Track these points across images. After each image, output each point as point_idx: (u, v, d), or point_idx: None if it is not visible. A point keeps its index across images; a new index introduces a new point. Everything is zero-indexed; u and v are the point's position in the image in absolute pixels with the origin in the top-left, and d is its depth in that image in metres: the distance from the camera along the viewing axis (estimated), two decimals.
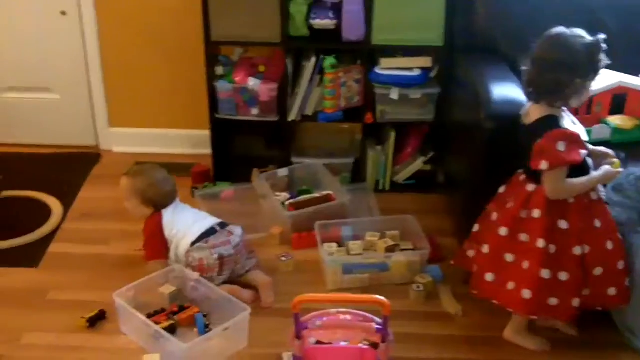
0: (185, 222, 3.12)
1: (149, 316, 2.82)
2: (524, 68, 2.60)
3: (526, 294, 2.58)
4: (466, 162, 3.13)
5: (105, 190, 3.71)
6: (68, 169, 4.00)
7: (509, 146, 2.63)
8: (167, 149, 4.16)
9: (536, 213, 2.57)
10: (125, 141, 4.19)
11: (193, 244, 3.03)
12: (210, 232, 3.08)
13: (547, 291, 2.59)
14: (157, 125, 4.16)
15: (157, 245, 3.13)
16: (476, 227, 2.84)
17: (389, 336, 2.33)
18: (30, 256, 3.31)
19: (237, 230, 3.12)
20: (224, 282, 3.04)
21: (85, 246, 3.33)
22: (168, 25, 3.88)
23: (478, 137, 2.85)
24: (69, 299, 3.06)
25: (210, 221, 3.15)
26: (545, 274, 2.57)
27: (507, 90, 2.92)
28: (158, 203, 3.16)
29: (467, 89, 3.12)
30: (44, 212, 3.61)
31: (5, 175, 3.86)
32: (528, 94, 2.63)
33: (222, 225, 3.14)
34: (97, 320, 2.92)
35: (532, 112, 2.59)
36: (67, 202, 3.69)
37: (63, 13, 3.90)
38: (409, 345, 2.77)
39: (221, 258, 3.01)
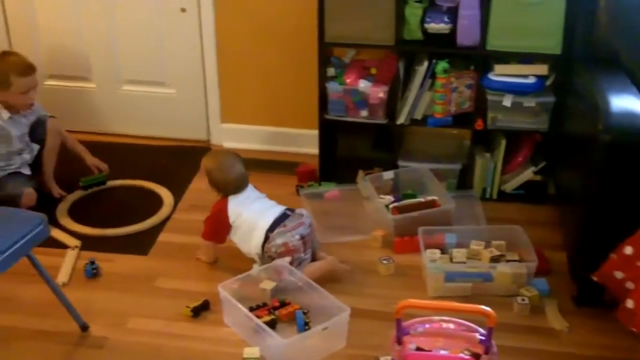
0: (254, 211, 3.18)
1: (251, 309, 2.86)
2: None
3: None
4: (580, 174, 3.04)
5: None
6: (180, 162, 4.11)
7: (628, 160, 2.54)
8: (275, 147, 4.22)
9: None
10: (235, 137, 4.26)
11: (269, 230, 3.10)
12: (283, 217, 3.15)
13: None
14: (267, 123, 4.22)
15: (216, 228, 3.23)
16: (629, 250, 2.67)
17: (492, 348, 2.30)
18: (140, 244, 3.43)
19: (305, 212, 3.23)
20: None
21: (193, 237, 3.38)
22: (283, 26, 3.93)
23: (594, 150, 2.76)
24: (175, 287, 3.15)
25: (280, 207, 3.22)
26: None
27: (626, 102, 2.82)
28: (221, 187, 3.23)
29: (585, 99, 3.03)
30: (156, 202, 3.73)
31: (121, 165, 4.00)
32: None
33: (291, 210, 3.21)
34: (201, 310, 2.98)
35: None
36: (177, 193, 3.80)
37: (183, 10, 4.01)
38: (511, 359, 2.71)
39: (302, 237, 3.11)
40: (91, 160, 3.86)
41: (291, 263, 3.07)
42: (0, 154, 3.59)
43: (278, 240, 3.08)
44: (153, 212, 3.62)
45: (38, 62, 4.18)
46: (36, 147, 3.74)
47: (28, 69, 3.56)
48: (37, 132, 3.72)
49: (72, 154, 3.86)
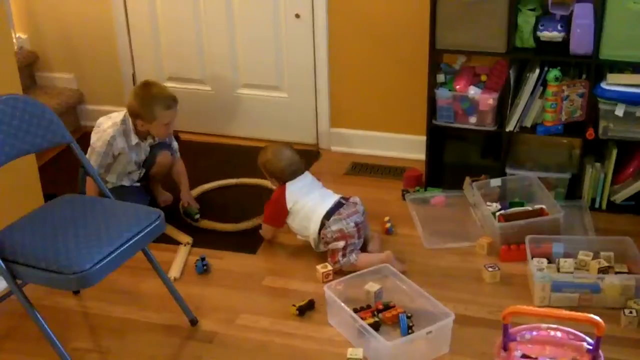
0: (311, 200, 3.35)
1: (355, 311, 2.90)
2: None
3: None
4: None
5: None
6: None
7: None
8: (382, 152, 4.26)
9: None
10: (343, 141, 4.33)
11: (325, 217, 3.27)
12: (339, 206, 3.32)
13: None
14: (375, 128, 4.26)
15: (274, 212, 3.41)
16: None
17: (600, 358, 2.26)
18: (249, 242, 3.52)
19: (358, 199, 3.38)
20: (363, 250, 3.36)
21: (299, 237, 3.46)
22: (394, 32, 3.97)
23: None
24: (282, 286, 3.23)
25: (336, 196, 3.38)
26: None
27: None
28: (278, 175, 3.42)
29: None
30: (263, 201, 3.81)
31: (235, 165, 4.14)
32: None
33: (345, 199, 3.37)
34: (307, 309, 3.04)
35: None
36: None
37: (297, 16, 4.09)
38: None
39: (357, 225, 3.28)
40: (186, 196, 3.81)
41: (345, 248, 3.24)
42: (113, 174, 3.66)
43: (334, 227, 3.25)
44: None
45: (157, 64, 4.38)
46: (143, 170, 3.75)
47: (172, 102, 3.57)
48: (151, 152, 3.73)
49: (174, 179, 3.86)
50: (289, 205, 3.34)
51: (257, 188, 3.95)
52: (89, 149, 3.56)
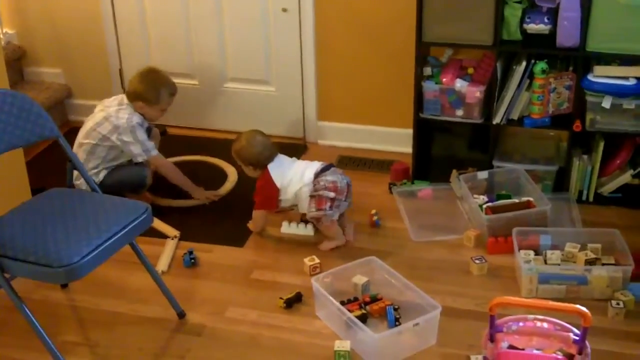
0: (298, 168, 3.40)
1: (342, 303, 2.90)
2: None
3: None
4: None
5: None
6: None
7: None
8: (369, 145, 4.26)
9: None
10: (331, 135, 4.33)
11: (316, 175, 3.33)
12: (330, 167, 3.40)
13: None
14: (362, 121, 4.26)
15: (266, 196, 3.42)
16: None
17: (586, 349, 2.28)
18: (237, 236, 3.52)
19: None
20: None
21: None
22: (382, 25, 3.97)
23: None
24: (270, 279, 3.23)
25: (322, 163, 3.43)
26: None
27: None
28: (254, 161, 3.43)
29: None
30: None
31: (222, 159, 4.15)
32: None
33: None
34: (294, 302, 3.05)
35: None
36: None
37: (284, 10, 4.08)
38: None
39: (349, 185, 3.37)
40: None
41: (334, 199, 3.29)
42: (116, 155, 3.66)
43: (330, 177, 3.32)
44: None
45: (145, 58, 4.36)
46: None
47: (175, 90, 3.72)
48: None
49: None
50: (278, 183, 3.36)
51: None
52: (120, 142, 3.56)
